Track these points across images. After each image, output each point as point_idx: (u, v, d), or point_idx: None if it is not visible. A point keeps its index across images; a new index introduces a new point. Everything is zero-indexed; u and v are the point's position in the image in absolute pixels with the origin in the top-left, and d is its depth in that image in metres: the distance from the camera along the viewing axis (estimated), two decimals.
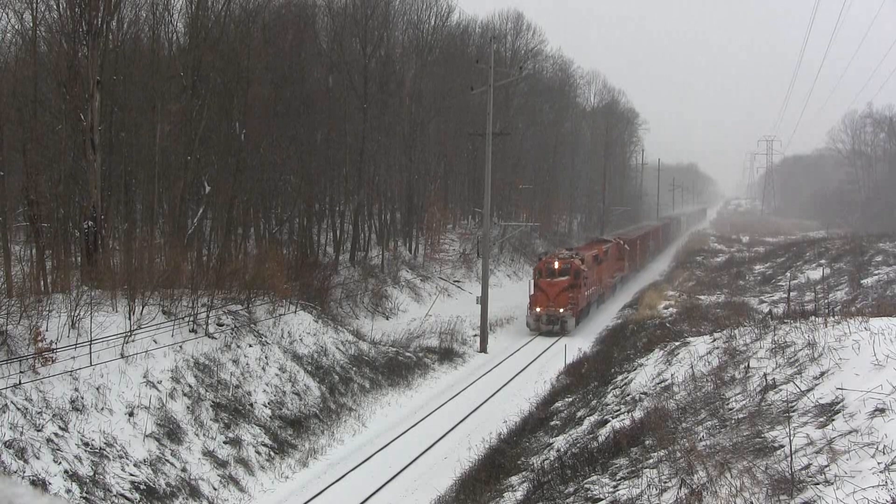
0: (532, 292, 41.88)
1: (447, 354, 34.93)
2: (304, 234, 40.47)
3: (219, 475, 19.89)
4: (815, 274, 44.39)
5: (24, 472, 15.61)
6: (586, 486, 12.54)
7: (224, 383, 23.34)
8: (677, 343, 20.84)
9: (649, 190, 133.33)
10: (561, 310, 40.41)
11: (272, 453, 22.10)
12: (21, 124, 26.71)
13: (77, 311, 20.80)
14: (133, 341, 21.59)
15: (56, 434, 17.12)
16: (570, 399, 22.93)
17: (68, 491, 15.99)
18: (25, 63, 29.58)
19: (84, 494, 16.24)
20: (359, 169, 44.90)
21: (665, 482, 10.67)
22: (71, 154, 28.20)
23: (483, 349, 37.07)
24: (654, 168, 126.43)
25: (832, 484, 8.08)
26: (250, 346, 26.01)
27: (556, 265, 41.22)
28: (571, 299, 40.68)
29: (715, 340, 18.62)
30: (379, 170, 49.10)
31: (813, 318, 16.03)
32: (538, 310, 40.85)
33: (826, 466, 8.59)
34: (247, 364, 24.92)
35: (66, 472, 16.41)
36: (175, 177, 32.20)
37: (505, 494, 15.46)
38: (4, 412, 16.61)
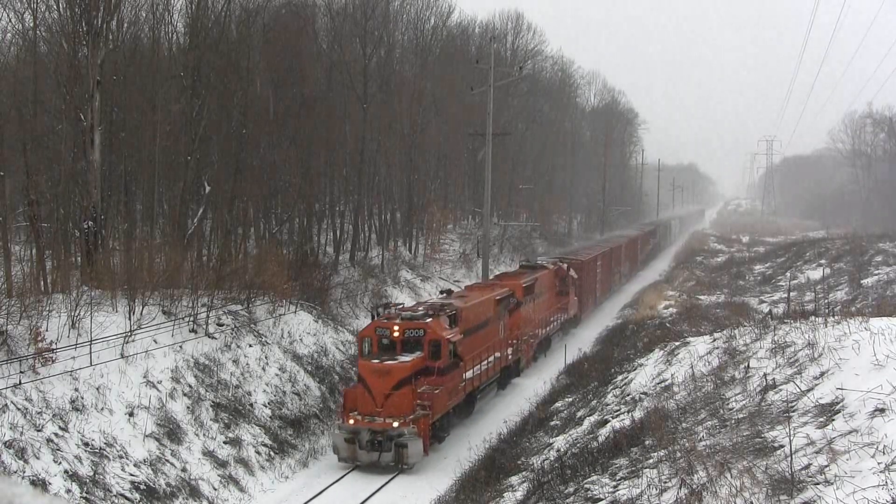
0: (355, 383, 24.17)
1: None
2: (304, 234, 40.43)
3: (219, 475, 19.89)
4: (815, 274, 44.36)
5: (24, 472, 15.61)
6: (586, 486, 12.54)
7: (224, 383, 23.34)
8: (677, 343, 20.86)
9: (649, 190, 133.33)
10: (395, 423, 21.20)
11: (272, 453, 22.10)
12: (21, 124, 26.71)
13: (77, 311, 20.80)
14: (133, 341, 21.59)
15: (56, 434, 17.13)
16: (570, 399, 22.94)
17: (68, 491, 15.99)
18: (25, 63, 29.57)
19: (84, 494, 16.25)
20: (359, 169, 44.87)
21: (665, 482, 10.68)
22: (71, 154, 28.19)
23: None
24: (654, 168, 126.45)
25: (832, 484, 8.09)
26: (250, 346, 26.01)
27: (396, 331, 22.86)
28: (422, 399, 21.96)
29: (715, 340, 18.64)
30: (379, 170, 49.07)
31: (813, 318, 16.06)
32: (351, 421, 21.79)
33: (826, 466, 8.60)
34: (247, 364, 24.92)
35: (66, 472, 16.41)
36: (175, 177, 32.19)
37: (505, 494, 15.47)
38: (4, 412, 16.61)
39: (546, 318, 35.37)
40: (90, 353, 19.81)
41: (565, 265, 39.95)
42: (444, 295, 28.44)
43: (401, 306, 25.87)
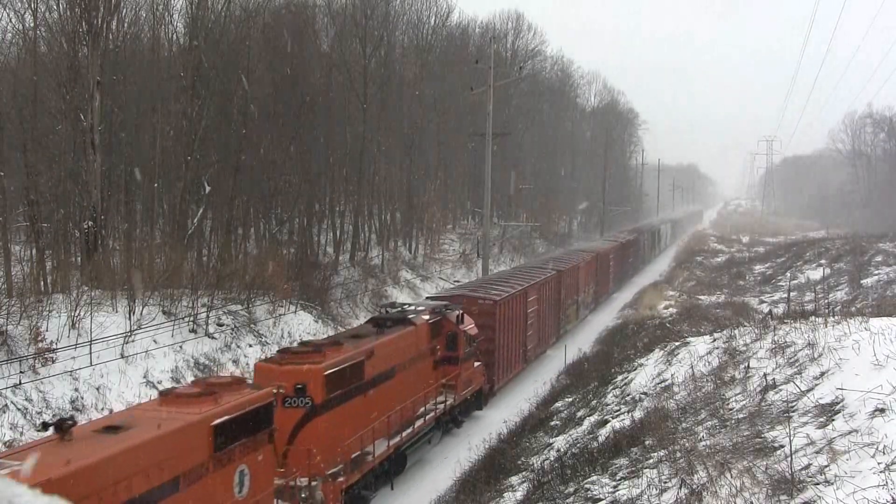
0: None
1: None
2: (304, 234, 40.46)
3: None
4: (815, 274, 44.37)
5: None
6: (586, 486, 12.54)
7: None
8: (677, 343, 20.84)
9: (650, 190, 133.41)
10: None
11: None
12: (21, 124, 26.74)
13: (77, 311, 20.81)
14: (133, 341, 21.61)
15: None
16: (570, 399, 22.92)
17: None
18: (25, 63, 29.59)
19: None
20: (359, 169, 44.91)
21: (665, 482, 10.68)
22: (71, 154, 28.22)
23: None
24: (654, 168, 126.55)
25: (832, 484, 8.09)
26: (250, 346, 26.02)
27: None
28: None
29: (715, 340, 18.63)
30: (379, 170, 49.12)
31: (813, 318, 16.05)
32: None
33: (826, 466, 8.60)
34: (247, 364, 24.92)
35: None
36: (175, 177, 32.21)
37: (505, 494, 15.45)
38: (4, 412, 16.62)
39: (405, 415, 19.39)
40: (90, 353, 19.81)
41: (456, 313, 23.42)
42: (53, 436, 10.32)
43: None
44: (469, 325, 23.90)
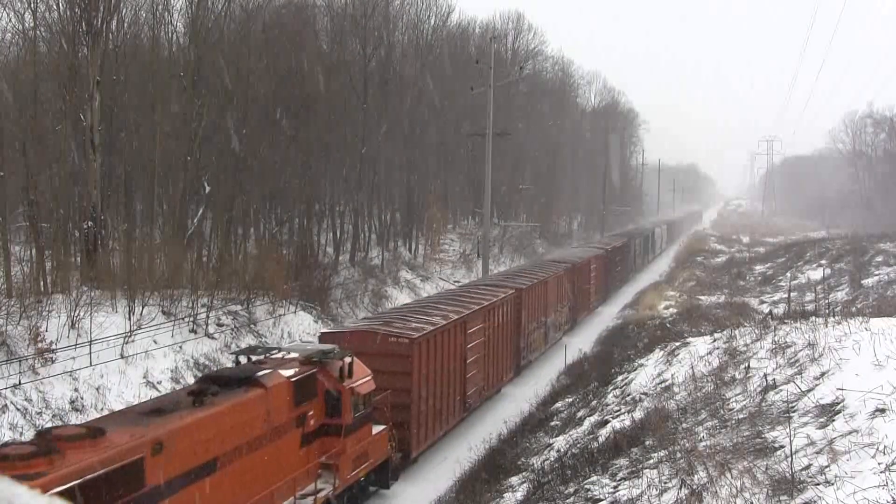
0: None
1: None
2: (304, 234, 40.44)
3: None
4: (816, 274, 44.35)
5: None
6: (586, 486, 12.53)
7: None
8: (677, 343, 20.83)
9: (650, 190, 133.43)
10: None
11: None
12: (21, 124, 26.73)
13: (77, 312, 20.81)
14: (133, 342, 21.60)
15: None
16: (571, 399, 22.91)
17: None
18: (25, 63, 29.59)
19: None
20: (358, 169, 44.91)
21: (665, 482, 10.67)
22: (71, 154, 28.22)
23: None
24: (654, 168, 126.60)
25: (832, 484, 8.08)
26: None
27: None
28: None
29: (715, 341, 18.63)
30: (379, 170, 49.10)
31: (813, 318, 16.07)
32: None
33: (826, 467, 8.59)
34: None
35: None
36: (175, 177, 32.20)
37: (505, 495, 15.45)
38: (4, 412, 16.61)
39: None
40: (90, 353, 19.81)
41: (340, 363, 16.07)
42: None
43: None
44: (361, 379, 16.56)
